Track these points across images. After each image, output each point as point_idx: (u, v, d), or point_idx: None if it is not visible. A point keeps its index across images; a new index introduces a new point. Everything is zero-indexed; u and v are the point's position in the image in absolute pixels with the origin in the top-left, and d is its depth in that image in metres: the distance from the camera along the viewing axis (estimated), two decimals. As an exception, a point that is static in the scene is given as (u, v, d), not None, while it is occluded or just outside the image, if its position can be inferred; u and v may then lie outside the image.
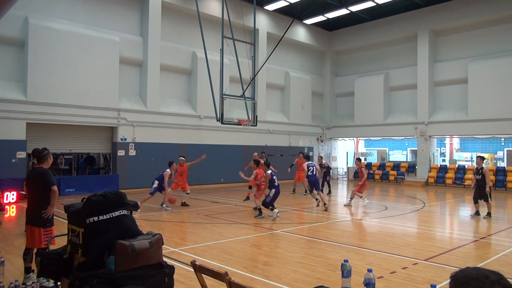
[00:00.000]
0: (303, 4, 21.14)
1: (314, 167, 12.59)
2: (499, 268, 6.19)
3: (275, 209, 10.23)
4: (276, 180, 10.61)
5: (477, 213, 11.05)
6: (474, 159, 23.55)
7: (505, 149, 23.03)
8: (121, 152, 16.84)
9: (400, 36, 23.43)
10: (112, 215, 3.33)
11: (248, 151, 19.78)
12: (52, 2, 15.48)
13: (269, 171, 10.71)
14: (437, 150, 24.14)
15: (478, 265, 6.15)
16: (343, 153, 28.28)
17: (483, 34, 20.68)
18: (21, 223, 7.37)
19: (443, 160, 24.41)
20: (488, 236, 8.59)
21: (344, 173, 27.07)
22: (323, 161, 17.31)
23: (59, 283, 4.02)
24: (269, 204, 10.38)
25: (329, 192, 16.82)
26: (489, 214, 10.93)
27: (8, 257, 6.20)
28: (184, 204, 12.71)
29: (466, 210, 13.55)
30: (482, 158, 11.27)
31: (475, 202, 11.06)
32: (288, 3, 21.33)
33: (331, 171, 18.50)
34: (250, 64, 17.12)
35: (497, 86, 19.46)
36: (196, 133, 19.20)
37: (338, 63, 27.27)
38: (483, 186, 10.86)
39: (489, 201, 10.87)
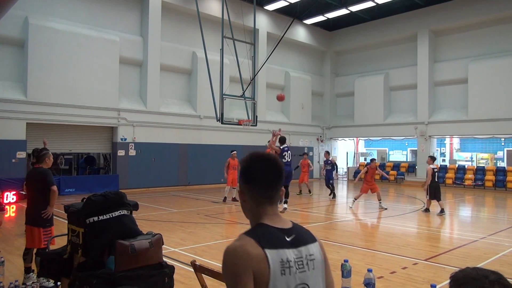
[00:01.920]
0: (303, 4, 21.14)
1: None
2: (499, 268, 6.19)
3: (285, 204, 9.54)
4: (287, 156, 9.76)
5: (427, 210, 11.79)
6: (474, 159, 23.62)
7: (505, 149, 23.02)
8: (121, 152, 16.84)
9: (400, 36, 23.42)
10: (112, 215, 3.33)
11: (248, 151, 19.77)
12: (52, 2, 15.48)
13: (282, 146, 10.00)
14: (437, 150, 24.13)
15: (478, 265, 6.15)
16: (343, 153, 28.28)
17: (483, 34, 20.68)
18: (21, 223, 7.37)
19: (443, 160, 24.40)
20: (488, 236, 8.59)
21: (344, 173, 27.07)
22: (330, 157, 16.40)
23: (59, 283, 4.02)
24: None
25: (333, 195, 15.26)
26: (427, 210, 11.75)
27: (8, 257, 6.20)
28: (234, 200, 13.46)
29: (466, 210, 13.57)
30: (432, 158, 11.96)
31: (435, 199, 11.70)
32: (288, 3, 21.32)
33: (336, 169, 16.96)
34: (250, 64, 17.12)
35: (497, 86, 19.45)
36: (196, 133, 19.20)
37: (338, 63, 27.27)
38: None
39: (427, 198, 11.73)
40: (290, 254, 1.51)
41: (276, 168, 1.64)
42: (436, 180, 11.73)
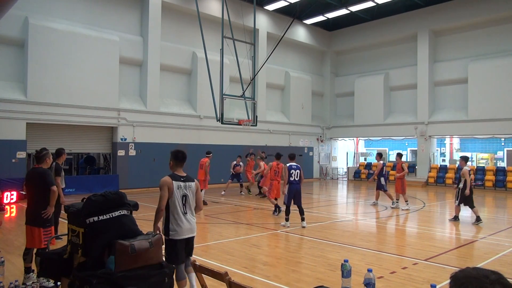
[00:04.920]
0: (303, 4, 21.14)
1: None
2: (499, 268, 6.19)
3: (287, 222, 9.26)
4: (294, 175, 9.37)
5: (456, 218, 10.40)
6: (474, 159, 23.61)
7: (505, 149, 23.02)
8: (121, 152, 16.84)
9: (400, 36, 23.42)
10: (112, 215, 3.33)
11: (248, 151, 19.77)
12: (52, 2, 15.48)
13: (289, 164, 9.55)
14: (437, 150, 24.13)
15: (478, 265, 6.15)
16: (343, 153, 28.28)
17: (483, 34, 20.68)
18: (21, 223, 7.38)
19: (443, 160, 24.40)
20: (488, 236, 8.59)
21: (344, 173, 27.08)
22: (240, 161, 16.24)
23: (59, 283, 4.02)
24: (286, 205, 9.32)
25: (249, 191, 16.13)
26: (456, 217, 10.34)
27: (8, 257, 6.20)
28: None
29: (466, 210, 13.56)
30: (465, 159, 10.67)
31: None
32: (288, 3, 21.33)
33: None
34: (250, 64, 17.12)
35: (497, 86, 19.45)
36: (196, 133, 19.20)
37: (338, 63, 27.26)
38: None
39: (456, 204, 10.36)
40: (180, 183, 4.36)
41: (183, 155, 4.54)
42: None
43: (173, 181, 4.32)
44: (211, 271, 3.22)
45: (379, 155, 13.49)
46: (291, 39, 23.52)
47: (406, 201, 12.67)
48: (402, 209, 12.31)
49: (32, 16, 14.68)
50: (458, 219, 10.32)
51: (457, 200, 10.23)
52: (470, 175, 10.31)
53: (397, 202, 12.81)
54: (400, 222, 10.66)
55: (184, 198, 4.37)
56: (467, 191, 9.97)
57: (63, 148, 7.82)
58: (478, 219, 9.97)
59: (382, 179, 13.02)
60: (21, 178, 13.07)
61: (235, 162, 16.10)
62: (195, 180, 4.53)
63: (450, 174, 21.25)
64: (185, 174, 4.49)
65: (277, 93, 24.08)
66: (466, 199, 10.07)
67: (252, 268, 6.04)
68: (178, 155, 4.52)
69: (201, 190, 13.17)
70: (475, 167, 21.23)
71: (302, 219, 9.30)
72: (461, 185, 10.15)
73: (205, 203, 13.00)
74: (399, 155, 13.22)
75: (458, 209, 10.36)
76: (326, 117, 26.95)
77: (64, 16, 15.69)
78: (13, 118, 14.17)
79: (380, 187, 13.08)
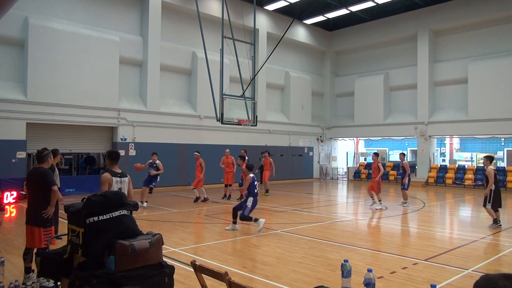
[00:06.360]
0: (303, 4, 21.14)
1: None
2: (499, 268, 6.20)
3: (259, 219, 8.74)
4: (257, 187, 9.10)
5: (496, 222, 9.46)
6: (474, 159, 23.60)
7: (505, 149, 23.02)
8: (121, 152, 16.81)
9: (400, 36, 23.42)
10: (112, 215, 3.33)
11: (248, 151, 19.76)
12: (52, 2, 15.48)
13: (252, 175, 9.11)
14: (437, 150, 24.13)
15: (478, 265, 6.16)
16: (343, 153, 28.28)
17: (483, 34, 20.68)
18: (21, 223, 7.38)
19: (443, 160, 24.40)
20: (488, 236, 8.59)
21: (344, 173, 27.07)
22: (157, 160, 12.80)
23: (59, 283, 4.02)
24: (247, 217, 8.78)
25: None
26: (496, 221, 9.50)
27: (8, 257, 6.20)
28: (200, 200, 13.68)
29: (466, 210, 13.56)
30: (490, 158, 9.94)
31: None
32: (288, 3, 21.32)
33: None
34: (250, 64, 17.11)
35: (497, 86, 19.45)
36: (196, 133, 19.20)
37: (338, 63, 27.26)
38: None
39: (489, 207, 9.58)
40: (118, 179, 5.27)
41: (117, 154, 5.44)
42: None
43: (113, 177, 5.22)
44: (211, 271, 3.22)
45: (403, 155, 13.63)
46: (291, 39, 23.51)
47: (380, 200, 12.68)
48: (376, 209, 12.29)
49: (32, 16, 14.68)
50: (499, 222, 9.44)
51: (489, 203, 9.45)
52: (495, 175, 9.67)
53: (377, 201, 12.69)
54: (400, 222, 10.66)
55: (120, 190, 5.23)
56: (486, 192, 9.51)
57: (57, 149, 8.03)
58: (496, 222, 9.46)
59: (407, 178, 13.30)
60: (21, 178, 13.07)
61: (150, 161, 12.82)
62: (127, 175, 5.46)
63: (450, 174, 21.24)
64: (120, 171, 5.39)
65: (277, 93, 24.08)
66: (497, 200, 9.46)
67: (252, 268, 6.04)
68: (113, 155, 5.40)
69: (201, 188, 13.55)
70: (475, 167, 21.22)
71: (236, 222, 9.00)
72: (493, 187, 9.48)
73: (205, 200, 13.53)
74: (376, 154, 13.33)
75: (493, 212, 9.53)
76: (326, 117, 26.94)
77: (64, 16, 15.68)
78: (13, 118, 14.17)
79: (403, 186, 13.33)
